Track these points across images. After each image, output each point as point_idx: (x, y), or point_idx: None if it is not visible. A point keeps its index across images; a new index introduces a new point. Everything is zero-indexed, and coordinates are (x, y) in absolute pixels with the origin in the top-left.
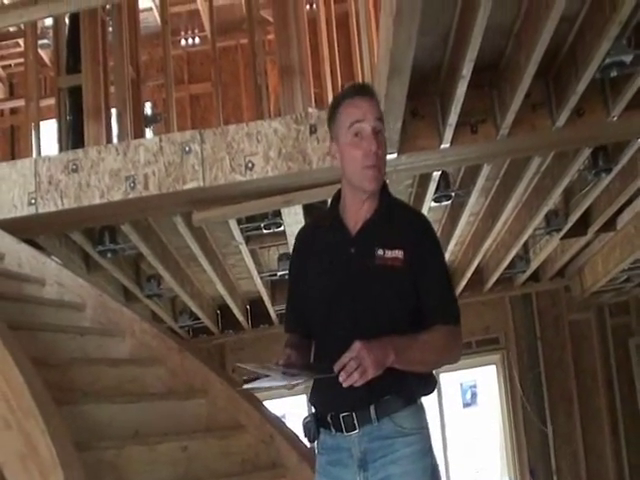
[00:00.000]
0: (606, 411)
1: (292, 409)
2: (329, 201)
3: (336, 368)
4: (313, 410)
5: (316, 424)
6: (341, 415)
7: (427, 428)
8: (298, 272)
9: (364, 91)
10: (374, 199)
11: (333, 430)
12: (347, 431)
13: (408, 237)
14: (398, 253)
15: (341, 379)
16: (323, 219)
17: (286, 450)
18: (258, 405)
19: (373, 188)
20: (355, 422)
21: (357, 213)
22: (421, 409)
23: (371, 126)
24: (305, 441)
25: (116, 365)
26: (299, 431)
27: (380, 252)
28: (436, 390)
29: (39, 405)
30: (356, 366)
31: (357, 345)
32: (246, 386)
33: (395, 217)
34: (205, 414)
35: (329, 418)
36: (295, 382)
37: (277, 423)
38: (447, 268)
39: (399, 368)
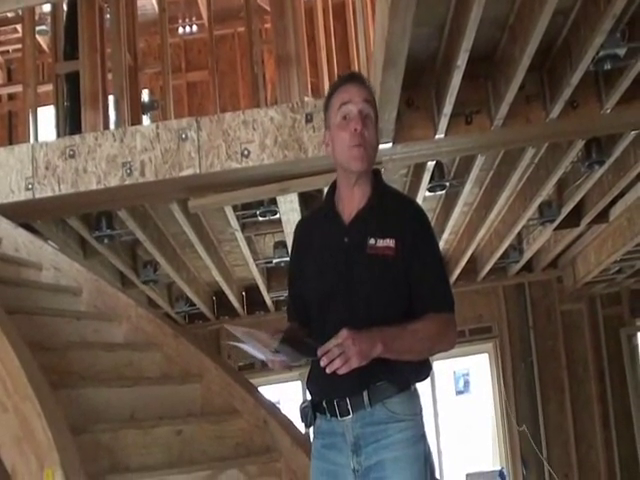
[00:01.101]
0: (597, 400)
1: (287, 395)
2: (325, 190)
3: (319, 352)
4: (309, 396)
5: (312, 409)
6: (335, 400)
7: (420, 414)
8: (297, 263)
9: (354, 78)
10: (367, 187)
11: (328, 415)
12: (341, 416)
13: (400, 225)
14: (390, 242)
15: (322, 364)
16: (320, 210)
17: (280, 435)
18: (252, 390)
19: (359, 167)
20: (349, 407)
21: (351, 203)
22: (415, 395)
23: (358, 108)
24: (302, 426)
25: (112, 349)
26: (293, 417)
27: (372, 241)
28: (429, 378)
29: (35, 388)
30: (339, 353)
31: (344, 333)
32: (230, 343)
33: (388, 205)
34: (200, 399)
35: (324, 403)
36: (276, 359)
37: (271, 408)
38: (440, 255)
39: (390, 358)
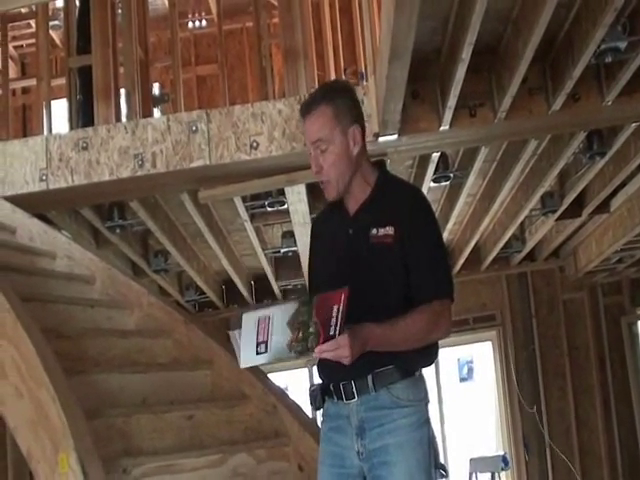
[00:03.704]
0: (598, 387)
1: (295, 382)
2: None
3: (317, 351)
4: (319, 380)
5: (321, 393)
6: (341, 384)
7: (425, 400)
8: (312, 254)
9: (305, 110)
10: (363, 182)
11: (335, 398)
12: (347, 399)
13: (399, 213)
14: (389, 230)
15: (316, 350)
16: (332, 203)
17: (288, 420)
18: (261, 376)
19: (330, 197)
20: (354, 391)
21: (355, 195)
22: (420, 381)
23: (311, 150)
24: (310, 409)
25: (125, 336)
26: (301, 402)
27: (374, 231)
28: (434, 365)
29: (50, 374)
30: (332, 349)
31: (345, 340)
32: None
33: (390, 195)
34: (210, 384)
35: (331, 386)
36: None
37: (280, 394)
38: (438, 242)
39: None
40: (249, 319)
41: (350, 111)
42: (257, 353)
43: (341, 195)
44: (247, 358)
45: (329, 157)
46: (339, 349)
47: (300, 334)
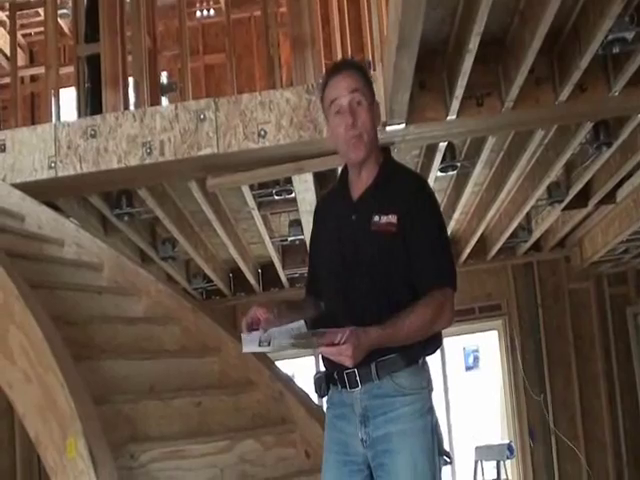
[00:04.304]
0: (603, 377)
1: (301, 369)
2: (339, 169)
3: (323, 348)
4: (323, 368)
5: (326, 380)
6: (345, 372)
7: (428, 388)
8: (313, 240)
9: (339, 68)
10: (374, 167)
11: (339, 386)
12: (350, 387)
13: (402, 201)
14: (392, 218)
15: (321, 348)
16: (334, 189)
17: (295, 406)
18: (268, 363)
19: (358, 157)
20: (357, 379)
21: (359, 182)
22: (423, 369)
23: (346, 101)
24: (315, 396)
25: (133, 323)
26: (308, 389)
27: (376, 218)
28: (440, 354)
29: (58, 360)
30: (336, 352)
31: (348, 349)
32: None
33: (393, 182)
34: (218, 371)
35: (335, 374)
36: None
37: (287, 381)
38: (442, 231)
39: None
40: (250, 337)
41: (371, 87)
42: (259, 345)
43: (365, 159)
44: (249, 347)
45: (362, 112)
46: (341, 357)
47: (303, 341)
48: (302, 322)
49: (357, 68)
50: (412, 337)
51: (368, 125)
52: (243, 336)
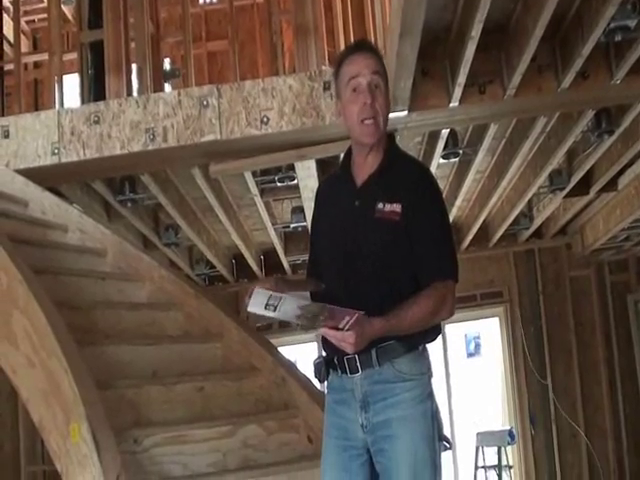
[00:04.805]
0: (604, 364)
1: (303, 355)
2: (341, 156)
3: (325, 330)
4: (324, 353)
5: (325, 365)
6: (345, 357)
7: (428, 374)
8: (314, 223)
9: (361, 47)
10: (380, 153)
11: (339, 371)
12: (351, 373)
13: (407, 190)
14: (396, 206)
15: (322, 330)
16: (337, 173)
17: (298, 392)
18: (271, 349)
19: (371, 141)
20: (358, 364)
21: (363, 167)
22: (423, 355)
23: (367, 80)
24: (315, 381)
25: (136, 309)
26: (310, 374)
27: (380, 206)
28: (441, 340)
29: (62, 345)
30: (340, 337)
31: (351, 337)
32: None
33: (398, 171)
34: (220, 357)
35: (335, 360)
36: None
37: (289, 366)
38: (444, 222)
39: None
40: (260, 294)
41: (387, 74)
42: (265, 308)
43: (377, 142)
44: (255, 307)
45: (380, 96)
46: (343, 343)
47: (309, 315)
48: (308, 294)
49: (377, 53)
50: (414, 328)
51: (384, 110)
52: (252, 294)
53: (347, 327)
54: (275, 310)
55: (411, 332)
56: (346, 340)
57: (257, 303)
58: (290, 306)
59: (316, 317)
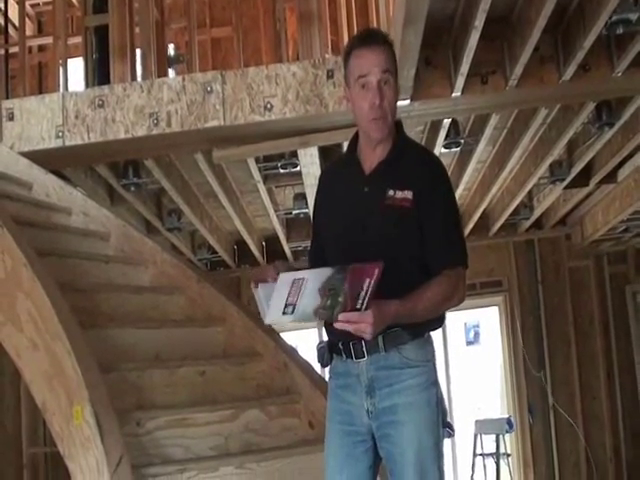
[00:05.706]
0: (602, 354)
1: (305, 341)
2: (344, 144)
3: (342, 317)
4: (326, 336)
5: (329, 350)
6: (351, 342)
7: (433, 361)
8: (318, 210)
9: (371, 40)
10: (388, 141)
11: (344, 356)
12: (356, 358)
13: (418, 178)
14: (408, 194)
15: (337, 325)
16: (342, 159)
17: (299, 377)
18: (273, 334)
19: (379, 136)
20: (364, 350)
21: (372, 154)
22: (428, 342)
23: (376, 79)
24: (318, 366)
25: (139, 292)
26: (311, 360)
27: (391, 192)
28: (441, 328)
29: (65, 328)
30: (355, 321)
31: (369, 318)
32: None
33: (408, 158)
34: (223, 341)
35: (340, 344)
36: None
37: (291, 352)
38: (454, 210)
39: None
40: (285, 279)
41: (396, 62)
42: (283, 313)
43: (385, 138)
44: (273, 316)
45: (389, 93)
46: (362, 324)
47: (328, 301)
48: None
49: (388, 43)
50: (426, 315)
51: (393, 105)
52: (259, 293)
53: (365, 304)
54: (293, 311)
55: (422, 319)
56: (365, 320)
57: (275, 307)
58: (312, 289)
59: (336, 300)
